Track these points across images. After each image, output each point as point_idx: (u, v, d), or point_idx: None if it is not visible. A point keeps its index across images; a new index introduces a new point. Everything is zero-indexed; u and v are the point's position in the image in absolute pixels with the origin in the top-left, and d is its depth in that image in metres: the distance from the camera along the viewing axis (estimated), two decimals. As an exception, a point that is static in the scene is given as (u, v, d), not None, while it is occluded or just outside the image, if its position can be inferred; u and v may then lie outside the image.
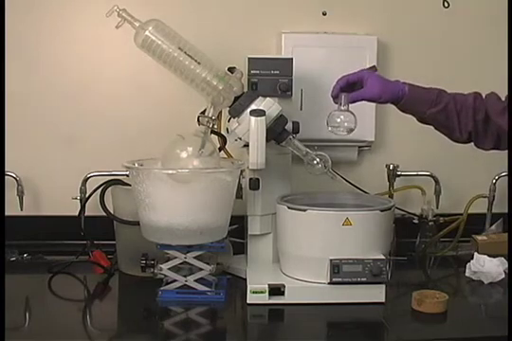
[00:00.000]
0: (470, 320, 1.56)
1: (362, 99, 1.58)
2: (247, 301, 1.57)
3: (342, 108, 1.57)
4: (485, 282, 1.74)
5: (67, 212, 1.96)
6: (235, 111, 1.63)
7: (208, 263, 1.64)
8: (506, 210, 2.06)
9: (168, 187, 1.56)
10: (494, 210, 2.10)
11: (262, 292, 1.57)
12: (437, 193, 2.07)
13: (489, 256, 1.78)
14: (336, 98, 1.60)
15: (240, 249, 1.84)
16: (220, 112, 1.70)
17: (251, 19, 2.06)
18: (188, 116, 1.69)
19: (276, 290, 1.58)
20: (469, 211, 2.04)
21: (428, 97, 1.56)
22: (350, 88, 1.59)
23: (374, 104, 2.03)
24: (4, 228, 1.60)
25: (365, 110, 2.03)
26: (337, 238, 1.59)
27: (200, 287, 1.63)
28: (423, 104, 1.56)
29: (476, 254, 1.81)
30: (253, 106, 1.61)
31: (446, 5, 2.11)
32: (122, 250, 1.84)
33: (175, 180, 1.56)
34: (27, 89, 2.01)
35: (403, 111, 1.61)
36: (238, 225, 1.78)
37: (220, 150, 1.78)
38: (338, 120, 1.57)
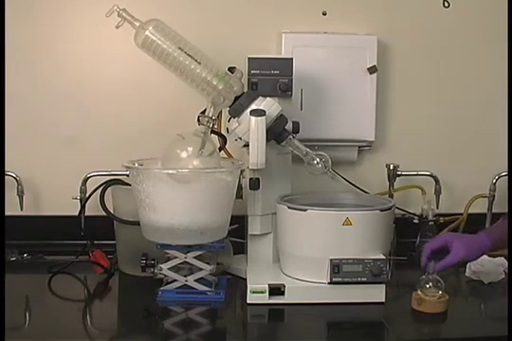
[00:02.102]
0: (470, 320, 1.56)
1: (452, 266, 1.62)
2: (247, 301, 1.57)
3: (431, 276, 1.56)
4: (485, 282, 1.74)
5: (67, 212, 1.96)
6: (235, 111, 1.63)
7: (208, 263, 1.64)
8: (506, 210, 2.06)
9: (168, 186, 1.56)
10: (494, 210, 2.10)
11: (262, 292, 1.57)
12: (437, 193, 2.07)
13: (489, 256, 1.78)
14: (425, 267, 1.61)
15: (240, 249, 1.84)
16: (220, 112, 1.70)
17: (251, 19, 2.06)
18: (188, 115, 1.69)
19: (276, 290, 1.58)
20: (469, 211, 2.04)
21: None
22: (436, 254, 1.63)
23: (373, 104, 2.04)
24: (4, 228, 1.60)
25: (365, 110, 2.04)
26: (337, 238, 1.59)
27: (200, 287, 1.63)
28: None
29: (476, 254, 1.81)
30: (253, 106, 1.61)
31: (446, 5, 2.10)
32: (122, 250, 1.84)
33: (176, 180, 1.56)
34: (27, 89, 2.01)
35: None
36: (238, 225, 1.78)
37: (220, 150, 1.78)
38: (427, 286, 1.56)
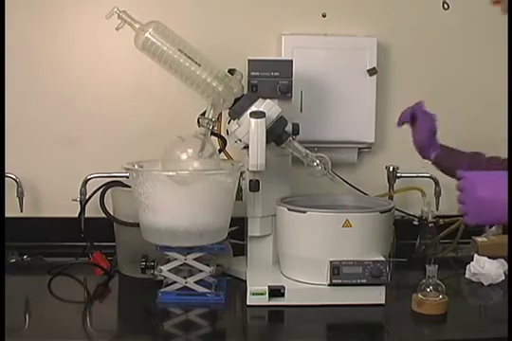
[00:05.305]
0: (470, 322, 1.56)
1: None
2: (247, 303, 1.57)
3: (431, 280, 1.56)
4: (485, 284, 1.74)
5: (67, 214, 1.96)
6: (235, 113, 1.63)
7: (208, 265, 1.64)
8: (506, 212, 2.06)
9: (168, 188, 1.56)
10: (494, 211, 2.09)
11: (262, 293, 1.57)
12: (437, 195, 2.07)
13: (489, 257, 1.78)
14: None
15: (240, 251, 1.84)
16: (220, 113, 1.70)
17: (251, 21, 2.06)
18: (188, 117, 1.69)
19: (276, 291, 1.58)
20: (469, 213, 2.04)
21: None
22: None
23: (373, 105, 2.04)
24: (4, 230, 1.60)
25: (365, 111, 2.04)
26: (337, 239, 1.59)
27: (200, 289, 1.63)
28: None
29: (476, 255, 1.81)
30: (253, 108, 1.61)
31: (445, 6, 2.11)
32: (122, 252, 1.84)
33: (175, 182, 1.56)
34: (27, 90, 2.02)
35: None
36: (238, 227, 1.78)
37: (220, 151, 1.78)
38: (428, 290, 1.56)
